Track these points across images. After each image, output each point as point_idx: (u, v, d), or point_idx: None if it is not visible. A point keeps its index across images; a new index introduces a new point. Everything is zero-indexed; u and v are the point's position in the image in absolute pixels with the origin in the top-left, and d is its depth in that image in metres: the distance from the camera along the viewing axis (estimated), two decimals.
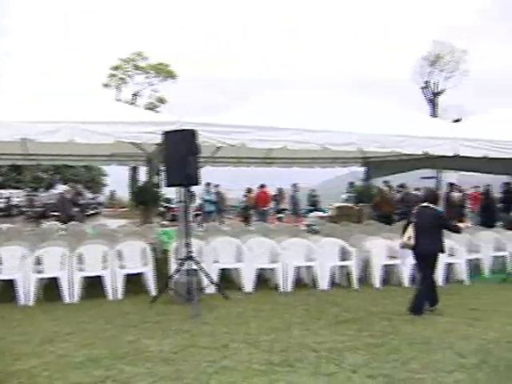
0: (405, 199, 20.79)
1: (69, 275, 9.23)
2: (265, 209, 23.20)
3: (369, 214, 17.92)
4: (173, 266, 9.57)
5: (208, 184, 22.01)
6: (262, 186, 23.57)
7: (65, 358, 6.15)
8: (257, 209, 23.14)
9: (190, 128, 8.60)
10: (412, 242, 8.33)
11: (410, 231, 8.39)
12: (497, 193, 20.01)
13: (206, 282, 9.31)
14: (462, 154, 10.71)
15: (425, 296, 8.34)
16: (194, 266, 8.84)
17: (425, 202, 8.61)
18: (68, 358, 6.17)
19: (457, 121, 21.66)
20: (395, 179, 21.52)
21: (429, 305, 8.34)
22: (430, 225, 8.34)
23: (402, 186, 21.70)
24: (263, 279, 10.47)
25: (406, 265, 10.38)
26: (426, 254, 8.37)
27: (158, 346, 6.55)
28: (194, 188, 10.22)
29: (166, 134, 8.58)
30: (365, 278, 10.65)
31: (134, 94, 39.52)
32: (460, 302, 8.89)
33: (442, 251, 8.52)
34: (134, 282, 9.70)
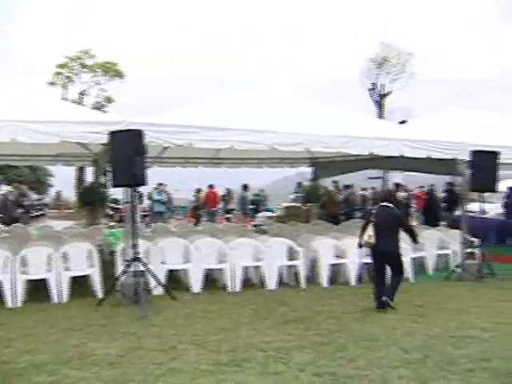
0: (349, 199, 21.20)
1: (12, 278, 8.97)
2: (214, 209, 23.21)
3: (317, 214, 18.10)
4: (120, 267, 9.44)
5: (160, 184, 21.88)
6: (211, 187, 23.57)
7: (7, 365, 5.98)
8: (206, 209, 23.13)
9: (136, 128, 8.52)
10: (373, 240, 8.47)
11: (370, 230, 8.53)
12: (440, 192, 20.50)
13: (153, 283, 9.23)
14: (406, 155, 10.94)
15: (394, 290, 8.54)
16: (141, 268, 8.76)
17: (384, 201, 8.80)
18: (11, 364, 6.00)
19: (403, 122, 22.09)
20: (344, 179, 21.87)
21: (376, 305, 8.49)
22: (389, 224, 8.54)
23: (346, 186, 22.08)
24: (211, 279, 10.45)
25: (354, 263, 10.58)
26: (386, 252, 8.56)
27: (104, 350, 6.44)
28: (143, 188, 10.12)
29: (112, 134, 8.46)
30: (312, 278, 10.75)
31: (81, 93, 38.83)
32: (405, 300, 9.04)
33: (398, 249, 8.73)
34: (80, 285, 9.52)
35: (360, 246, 8.89)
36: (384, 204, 8.76)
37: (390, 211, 8.67)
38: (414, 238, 8.95)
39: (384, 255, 8.60)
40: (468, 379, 5.49)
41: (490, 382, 5.44)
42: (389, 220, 8.57)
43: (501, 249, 13.73)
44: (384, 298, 8.39)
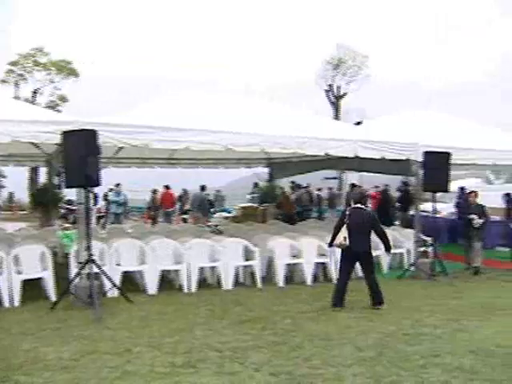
0: (301, 199, 21.34)
1: None
2: (170, 210, 23.05)
3: (274, 214, 18.18)
4: (74, 269, 9.27)
5: (117, 185, 21.58)
6: (167, 187, 23.39)
7: None
8: (162, 210, 22.97)
9: (90, 128, 8.38)
10: (347, 242, 8.58)
11: (344, 231, 8.63)
12: (395, 192, 20.80)
13: (108, 285, 9.12)
14: (361, 155, 11.07)
15: (377, 285, 8.70)
16: (95, 269, 8.63)
17: (357, 203, 8.96)
18: None
19: (358, 123, 22.34)
20: (300, 179, 21.99)
21: (333, 303, 8.57)
22: (362, 225, 8.69)
23: (298, 186, 22.19)
24: (167, 280, 10.37)
25: (310, 263, 10.66)
26: (359, 252, 8.71)
27: (57, 354, 6.32)
28: (98, 188, 9.98)
29: (65, 133, 8.31)
30: (268, 278, 10.79)
31: (34, 92, 38.01)
32: (360, 298, 9.12)
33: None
34: (32, 288, 9.31)
35: (330, 245, 9.02)
36: (357, 206, 8.94)
37: (363, 213, 8.88)
38: (387, 245, 9.13)
39: (356, 255, 8.77)
40: (421, 375, 5.61)
41: (441, 377, 5.55)
42: (362, 221, 8.72)
43: (452, 248, 14.01)
44: (379, 307, 8.59)
